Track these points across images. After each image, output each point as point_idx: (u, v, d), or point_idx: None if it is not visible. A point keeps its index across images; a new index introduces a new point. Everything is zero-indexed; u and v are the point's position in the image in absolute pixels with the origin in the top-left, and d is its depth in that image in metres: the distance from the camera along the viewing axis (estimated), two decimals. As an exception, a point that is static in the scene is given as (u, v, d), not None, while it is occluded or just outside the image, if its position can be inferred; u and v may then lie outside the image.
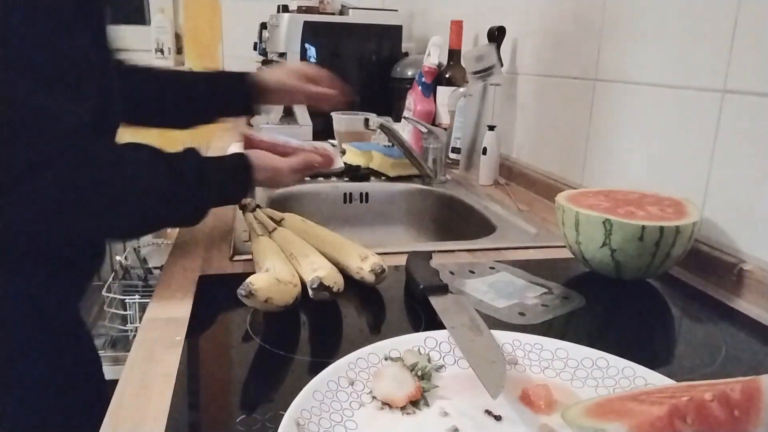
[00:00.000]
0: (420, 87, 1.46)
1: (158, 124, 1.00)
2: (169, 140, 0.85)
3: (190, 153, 0.73)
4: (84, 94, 0.64)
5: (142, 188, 0.67)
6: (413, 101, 1.46)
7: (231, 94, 0.96)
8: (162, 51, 2.25)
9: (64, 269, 0.78)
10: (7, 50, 0.57)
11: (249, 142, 0.88)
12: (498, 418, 0.45)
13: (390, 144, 1.36)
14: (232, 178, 0.77)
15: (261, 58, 1.96)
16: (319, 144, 0.96)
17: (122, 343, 1.96)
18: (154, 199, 0.67)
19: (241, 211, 0.83)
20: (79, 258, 0.80)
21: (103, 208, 0.64)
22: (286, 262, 0.69)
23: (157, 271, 2.35)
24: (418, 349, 0.53)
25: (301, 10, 1.74)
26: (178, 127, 1.04)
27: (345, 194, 1.24)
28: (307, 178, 1.25)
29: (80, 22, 0.62)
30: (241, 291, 0.59)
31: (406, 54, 1.86)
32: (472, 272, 0.77)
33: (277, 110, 1.75)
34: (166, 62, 2.25)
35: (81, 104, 0.63)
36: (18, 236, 0.67)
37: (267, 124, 1.68)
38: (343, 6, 1.82)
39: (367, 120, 1.20)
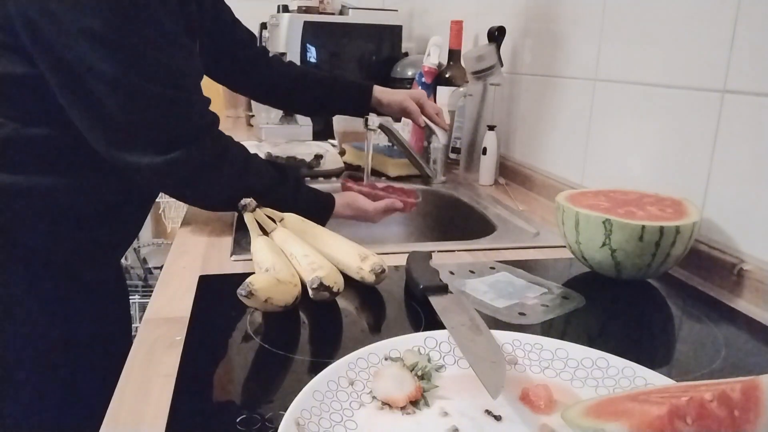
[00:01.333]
0: (420, 87, 1.45)
1: (288, 108, 1.34)
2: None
3: (294, 170, 0.98)
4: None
5: (255, 174, 0.85)
6: (413, 101, 1.46)
7: (356, 101, 1.17)
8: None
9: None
10: (159, 60, 0.74)
11: (346, 188, 1.06)
12: (498, 418, 0.45)
13: (390, 144, 1.36)
14: (318, 206, 0.93)
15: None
16: (408, 187, 1.11)
17: (122, 343, 1.96)
18: (259, 189, 0.83)
19: (241, 211, 0.83)
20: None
21: (225, 182, 0.82)
22: (286, 262, 0.69)
23: (157, 271, 2.35)
24: (418, 349, 0.53)
25: (301, 10, 1.74)
26: (301, 113, 1.44)
27: (345, 194, 1.24)
28: (307, 178, 1.26)
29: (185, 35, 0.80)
30: (241, 291, 0.59)
31: (406, 54, 1.86)
32: (472, 272, 0.76)
33: (277, 110, 1.75)
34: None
35: (209, 101, 0.82)
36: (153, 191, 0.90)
37: (267, 124, 1.68)
38: (343, 6, 1.82)
39: (366, 120, 1.20)
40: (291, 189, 0.89)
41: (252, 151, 0.89)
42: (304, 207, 0.86)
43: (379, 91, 1.17)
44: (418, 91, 1.19)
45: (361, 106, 1.17)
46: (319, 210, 0.92)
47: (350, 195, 0.98)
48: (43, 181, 0.78)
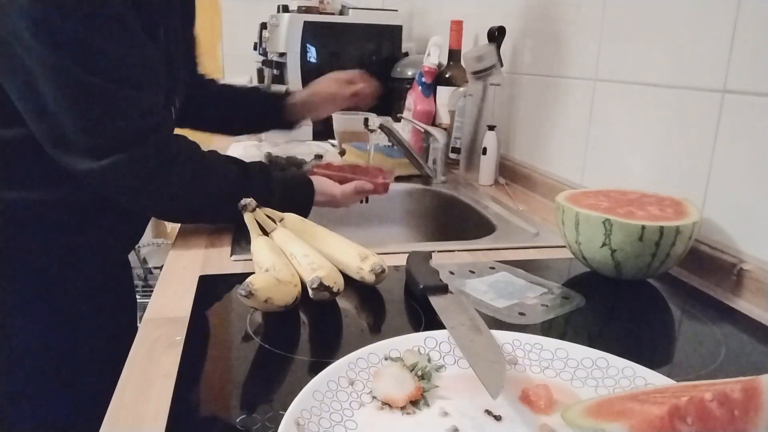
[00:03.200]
0: (420, 87, 1.45)
1: (210, 130, 1.19)
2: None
3: (259, 164, 0.86)
4: (162, 92, 0.77)
5: (214, 181, 0.79)
6: (413, 101, 1.46)
7: (270, 112, 1.12)
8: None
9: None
10: (100, 60, 0.68)
11: (313, 173, 1.00)
12: (498, 418, 0.45)
13: (390, 144, 1.36)
14: (296, 193, 0.88)
15: (261, 58, 1.96)
16: (379, 167, 1.06)
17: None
18: (222, 193, 0.78)
19: (241, 211, 0.83)
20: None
21: (177, 189, 0.76)
22: (286, 262, 0.69)
23: (157, 271, 2.35)
24: (418, 349, 0.53)
25: (301, 10, 1.74)
26: (226, 134, 1.25)
27: (345, 194, 1.24)
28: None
29: (145, 33, 0.74)
30: (241, 291, 0.59)
31: (406, 54, 1.86)
32: (472, 272, 0.76)
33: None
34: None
35: (161, 101, 0.76)
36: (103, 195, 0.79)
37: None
38: (343, 6, 1.82)
39: (366, 120, 1.20)
40: (259, 187, 0.83)
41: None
42: (279, 202, 0.81)
43: (299, 91, 1.12)
44: (347, 72, 1.15)
45: (281, 114, 1.11)
46: (297, 203, 0.87)
47: (317, 180, 0.94)
48: (34, 185, 0.77)
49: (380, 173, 1.02)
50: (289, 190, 0.88)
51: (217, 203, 0.80)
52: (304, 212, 0.86)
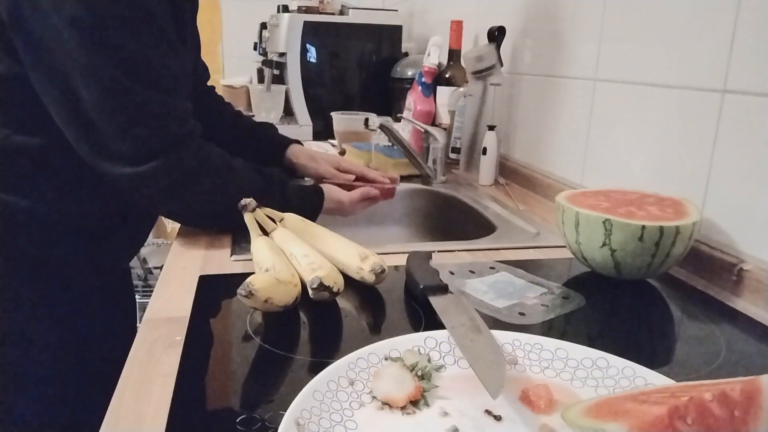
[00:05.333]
0: (420, 87, 1.45)
1: None
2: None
3: (277, 172, 0.90)
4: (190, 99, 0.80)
5: (238, 185, 0.81)
6: (413, 101, 1.46)
7: (270, 156, 1.12)
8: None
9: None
10: (135, 66, 0.70)
11: (321, 181, 1.03)
12: (498, 418, 0.45)
13: (390, 144, 1.36)
14: (307, 200, 0.91)
15: (261, 58, 1.96)
16: (385, 175, 1.06)
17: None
18: (244, 196, 0.78)
19: (241, 211, 0.83)
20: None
21: (208, 196, 0.79)
22: (286, 262, 0.69)
23: (157, 271, 2.35)
24: (418, 349, 0.53)
25: (301, 10, 1.75)
26: None
27: (345, 194, 1.24)
28: (307, 179, 1.25)
29: (179, 41, 0.77)
30: (241, 291, 0.59)
31: (406, 54, 1.86)
32: (472, 272, 0.76)
33: (278, 110, 1.76)
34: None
35: (191, 109, 0.78)
36: (133, 205, 0.82)
37: (267, 124, 1.68)
38: (343, 6, 1.82)
39: (367, 120, 1.20)
40: (277, 194, 0.86)
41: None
42: (293, 210, 0.83)
43: (297, 152, 1.10)
44: (335, 157, 1.13)
45: (273, 162, 1.11)
46: (308, 210, 0.89)
47: (327, 188, 0.95)
48: (41, 192, 0.77)
49: (387, 179, 1.03)
50: (303, 197, 0.90)
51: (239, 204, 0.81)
52: (312, 218, 0.88)
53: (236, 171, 0.82)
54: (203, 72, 1.09)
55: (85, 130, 0.70)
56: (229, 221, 0.81)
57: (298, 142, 1.14)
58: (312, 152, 1.12)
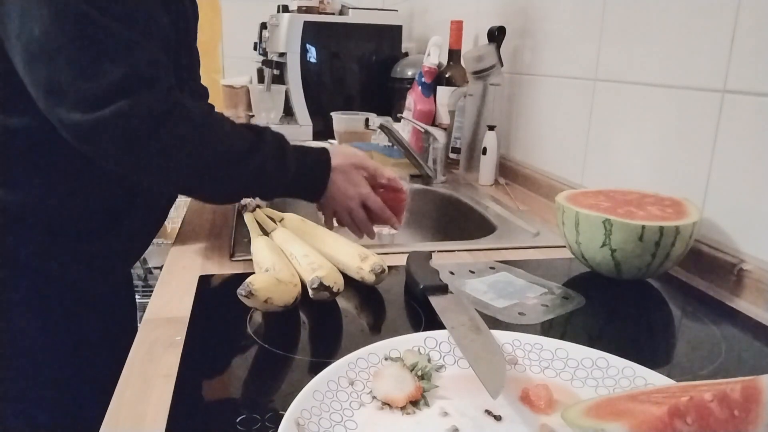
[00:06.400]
0: (420, 87, 1.45)
1: None
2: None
3: (274, 133, 0.77)
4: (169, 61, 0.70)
5: (220, 136, 0.70)
6: (413, 101, 1.46)
7: None
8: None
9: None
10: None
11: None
12: (498, 418, 0.45)
13: (390, 144, 1.36)
14: (312, 167, 0.79)
15: (261, 58, 1.96)
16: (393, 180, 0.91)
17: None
18: (231, 152, 0.70)
19: (241, 211, 0.83)
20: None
21: (180, 141, 0.67)
22: (286, 262, 0.69)
23: (157, 271, 2.35)
24: (418, 349, 0.53)
25: (301, 10, 1.75)
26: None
27: (345, 194, 1.24)
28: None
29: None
30: (241, 291, 0.59)
31: (406, 54, 1.86)
32: (472, 272, 0.76)
33: (278, 110, 1.76)
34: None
35: (168, 65, 0.69)
36: (100, 156, 0.69)
37: (267, 124, 1.68)
38: (343, 6, 1.82)
39: (367, 120, 1.20)
40: (271, 155, 0.74)
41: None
42: (294, 173, 0.75)
43: None
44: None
45: None
46: (314, 177, 0.79)
47: (343, 150, 0.83)
48: (33, 185, 0.74)
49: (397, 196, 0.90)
50: (305, 158, 0.79)
51: (225, 165, 0.71)
52: (316, 187, 0.80)
53: (218, 121, 0.72)
54: (204, 93, 1.03)
55: (42, 69, 0.62)
56: (215, 182, 0.72)
57: None
58: None
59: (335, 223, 0.88)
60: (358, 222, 0.86)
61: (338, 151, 0.83)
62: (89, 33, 0.62)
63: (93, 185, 0.78)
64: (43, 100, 0.65)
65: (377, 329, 0.63)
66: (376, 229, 0.89)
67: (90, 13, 0.61)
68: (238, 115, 2.14)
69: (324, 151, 0.82)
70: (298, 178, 0.78)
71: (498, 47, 1.25)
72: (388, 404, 0.46)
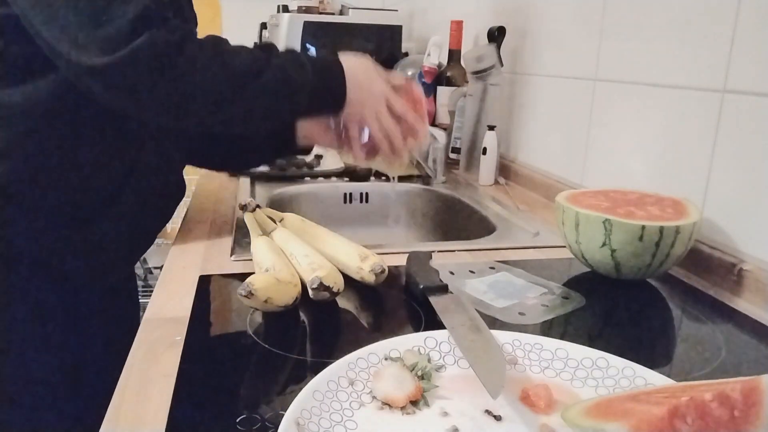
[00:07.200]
0: (420, 87, 1.45)
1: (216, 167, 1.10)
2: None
3: (274, 46, 0.76)
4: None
5: (234, 56, 0.70)
6: (413, 101, 1.46)
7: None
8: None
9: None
10: None
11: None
12: (498, 418, 0.45)
13: (390, 144, 1.36)
14: (327, 67, 0.77)
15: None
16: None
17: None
18: (251, 67, 0.70)
19: (241, 211, 0.83)
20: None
21: (196, 70, 0.68)
22: (286, 262, 0.69)
23: (157, 271, 2.35)
24: (418, 349, 0.53)
25: (301, 10, 1.75)
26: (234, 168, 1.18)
27: (345, 194, 1.24)
28: (307, 179, 1.25)
29: None
30: (241, 291, 0.59)
31: (406, 54, 1.86)
32: (472, 272, 0.76)
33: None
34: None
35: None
36: (116, 103, 0.71)
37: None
38: (343, 6, 1.82)
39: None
40: (289, 60, 0.74)
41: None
42: (316, 81, 0.73)
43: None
44: None
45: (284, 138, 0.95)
46: (334, 78, 0.77)
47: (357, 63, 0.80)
48: (25, 160, 0.72)
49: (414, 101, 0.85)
50: (320, 62, 0.78)
51: (247, 80, 0.71)
52: (341, 86, 0.78)
53: (230, 45, 0.73)
54: None
55: (64, 21, 0.64)
56: (242, 103, 0.72)
57: None
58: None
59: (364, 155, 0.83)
60: (390, 130, 0.81)
61: (349, 57, 0.81)
62: None
63: (86, 162, 0.76)
64: (64, 58, 0.66)
65: (377, 329, 0.63)
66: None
67: None
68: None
69: (335, 57, 0.80)
70: (320, 80, 0.76)
71: (498, 47, 1.25)
72: (388, 404, 0.46)
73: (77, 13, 0.64)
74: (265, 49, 0.75)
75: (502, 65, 1.25)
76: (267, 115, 0.77)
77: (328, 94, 0.78)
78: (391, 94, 0.81)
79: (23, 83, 0.70)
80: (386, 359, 0.51)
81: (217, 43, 0.71)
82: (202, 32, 0.99)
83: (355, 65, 0.80)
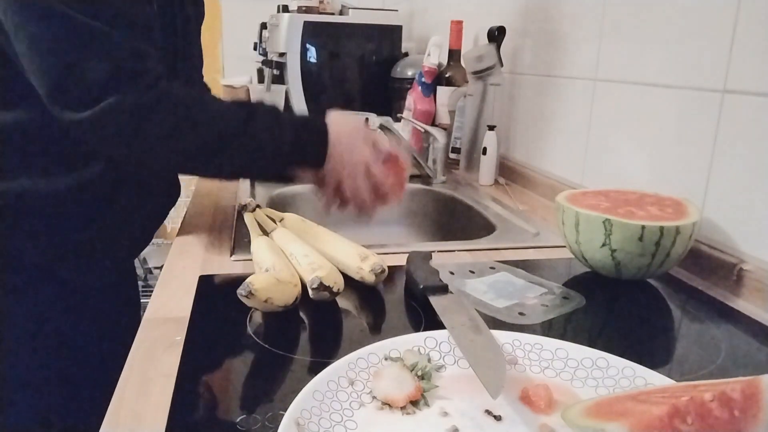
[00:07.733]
0: (420, 87, 1.45)
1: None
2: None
3: (265, 104, 0.78)
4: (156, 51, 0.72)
5: (210, 118, 0.72)
6: (413, 101, 1.46)
7: None
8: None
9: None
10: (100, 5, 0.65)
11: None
12: (498, 418, 0.45)
13: (390, 144, 1.36)
14: (308, 131, 0.78)
15: (261, 58, 1.96)
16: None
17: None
18: (224, 130, 0.71)
19: (241, 211, 0.83)
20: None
21: (170, 128, 0.69)
22: (286, 262, 0.69)
23: (157, 271, 2.35)
24: (418, 349, 0.53)
25: (301, 10, 1.74)
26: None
27: (345, 194, 1.24)
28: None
29: None
30: (241, 291, 0.59)
31: (406, 54, 1.86)
32: (472, 272, 0.76)
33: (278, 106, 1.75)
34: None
35: (155, 55, 0.71)
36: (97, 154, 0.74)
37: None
38: (343, 6, 1.82)
39: (366, 120, 1.20)
40: (265, 127, 0.74)
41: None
42: (293, 146, 0.74)
43: None
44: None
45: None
46: (314, 143, 0.78)
47: (340, 122, 0.79)
48: (20, 177, 0.74)
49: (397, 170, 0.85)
50: (302, 125, 0.78)
51: (219, 144, 0.72)
52: (319, 157, 0.78)
53: (206, 103, 0.74)
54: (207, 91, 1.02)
55: (39, 70, 0.65)
56: (214, 164, 0.74)
57: None
58: None
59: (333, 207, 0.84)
60: (363, 194, 0.81)
61: (337, 117, 0.81)
62: (71, 33, 0.64)
63: (79, 173, 0.77)
64: (51, 107, 0.67)
65: (377, 329, 0.63)
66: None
67: (68, 13, 0.63)
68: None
69: (321, 117, 0.80)
70: (297, 145, 0.76)
71: (498, 47, 1.25)
72: (388, 404, 0.46)
73: (57, 63, 0.65)
74: (246, 110, 0.75)
75: (502, 65, 1.25)
76: (245, 170, 0.80)
77: (306, 157, 0.78)
78: (373, 161, 0.80)
79: (21, 105, 0.72)
80: (386, 359, 0.51)
81: (193, 103, 0.72)
82: (202, 32, 0.99)
83: (341, 129, 0.79)
